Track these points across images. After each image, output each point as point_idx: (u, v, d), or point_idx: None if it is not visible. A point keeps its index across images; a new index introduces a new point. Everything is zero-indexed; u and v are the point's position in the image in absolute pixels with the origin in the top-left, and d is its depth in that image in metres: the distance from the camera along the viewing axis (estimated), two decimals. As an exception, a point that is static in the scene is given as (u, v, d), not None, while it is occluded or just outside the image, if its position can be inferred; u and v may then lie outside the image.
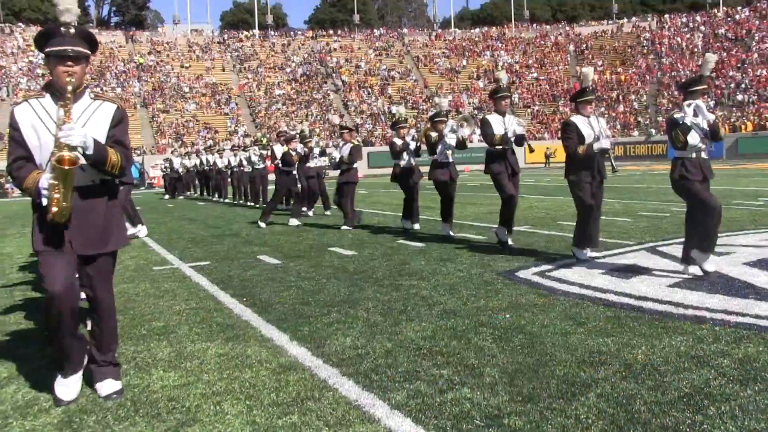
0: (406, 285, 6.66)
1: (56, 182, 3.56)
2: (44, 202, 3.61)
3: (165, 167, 30.18)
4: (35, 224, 3.82)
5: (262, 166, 19.83)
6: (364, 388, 3.83)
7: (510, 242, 8.86)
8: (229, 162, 23.08)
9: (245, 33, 70.16)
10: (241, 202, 21.64)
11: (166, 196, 28.94)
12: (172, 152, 37.02)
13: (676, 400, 3.45)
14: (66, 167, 3.52)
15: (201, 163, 26.66)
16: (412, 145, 10.82)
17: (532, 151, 9.72)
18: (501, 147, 8.74)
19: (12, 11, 75.54)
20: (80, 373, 3.99)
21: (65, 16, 3.68)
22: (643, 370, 3.90)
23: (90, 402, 3.88)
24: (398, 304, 5.84)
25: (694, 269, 6.45)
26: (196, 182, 28.49)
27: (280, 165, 14.31)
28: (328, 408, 3.56)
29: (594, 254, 7.64)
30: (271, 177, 19.56)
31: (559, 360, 4.12)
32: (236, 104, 57.79)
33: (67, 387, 3.90)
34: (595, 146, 7.26)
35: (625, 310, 5.28)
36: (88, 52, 3.77)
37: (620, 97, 56.17)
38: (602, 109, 53.76)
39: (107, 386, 3.96)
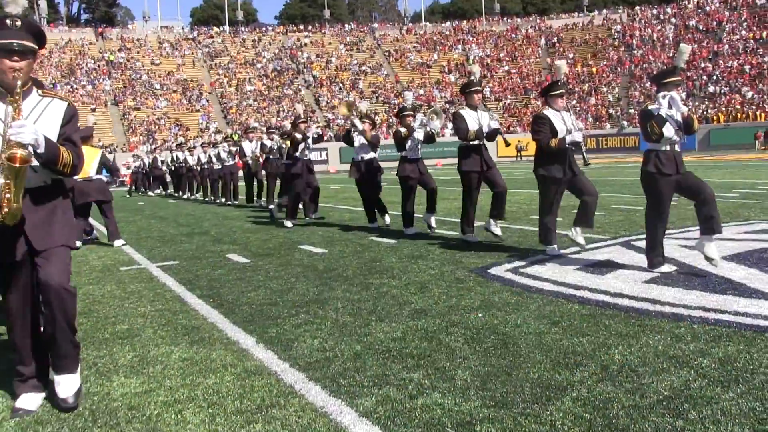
0: (377, 283, 6.52)
1: (8, 181, 3.38)
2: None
3: (138, 165, 30.10)
4: None
5: (231, 162, 19.59)
6: (332, 393, 3.68)
7: (477, 238, 8.90)
8: (198, 159, 22.78)
9: (215, 29, 69.53)
10: (211, 199, 21.37)
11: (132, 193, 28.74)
12: (150, 150, 36.60)
13: (655, 404, 3.31)
14: (18, 165, 3.33)
15: (172, 160, 26.37)
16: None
17: (507, 144, 9.58)
18: (475, 142, 8.63)
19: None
20: (42, 393, 3.85)
21: (11, 7, 3.50)
22: (620, 372, 3.76)
23: (47, 412, 3.71)
24: (368, 304, 5.69)
25: (665, 268, 6.35)
26: (167, 179, 28.22)
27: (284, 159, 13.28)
28: (294, 416, 3.41)
29: (580, 240, 7.45)
30: (242, 174, 19.41)
31: (534, 362, 3.98)
32: (207, 101, 57.25)
33: (28, 399, 3.75)
34: (568, 139, 7.17)
35: (600, 307, 5.15)
36: (35, 46, 3.58)
37: (592, 90, 56.51)
38: (573, 102, 54.09)
39: (65, 384, 3.77)
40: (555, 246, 7.55)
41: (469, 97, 8.86)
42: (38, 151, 3.45)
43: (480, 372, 3.86)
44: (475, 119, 8.67)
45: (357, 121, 11.02)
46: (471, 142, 8.65)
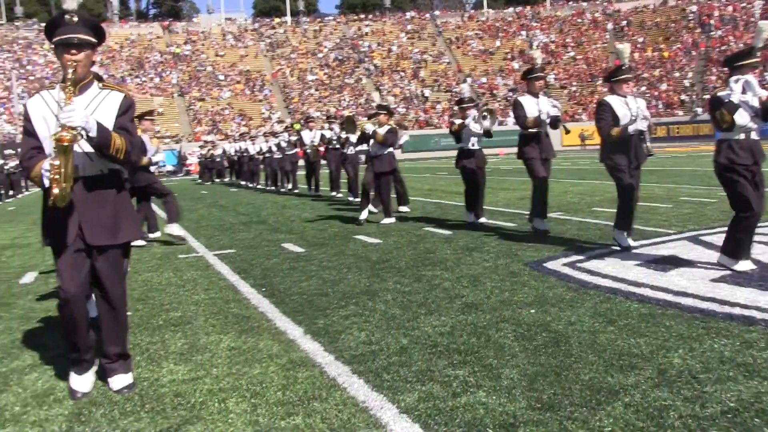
0: (429, 276, 6.41)
1: (56, 162, 3.43)
2: (46, 183, 3.49)
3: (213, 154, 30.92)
4: (44, 217, 3.75)
5: (292, 152, 19.70)
6: (374, 388, 3.60)
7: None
8: (260, 148, 23.02)
9: (277, 20, 70.08)
10: (271, 188, 21.59)
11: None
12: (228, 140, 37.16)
13: (718, 416, 3.04)
14: (65, 144, 3.37)
15: (235, 150, 26.82)
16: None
17: (567, 132, 9.25)
18: (534, 130, 8.43)
19: (61, 10, 76.76)
20: (94, 369, 3.94)
21: (67, 3, 3.64)
22: (679, 378, 3.50)
23: (101, 395, 3.81)
24: (418, 297, 5.60)
25: (742, 266, 5.87)
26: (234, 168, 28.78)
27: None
28: (334, 410, 3.35)
29: (632, 243, 7.25)
30: (302, 162, 19.54)
31: (585, 362, 3.80)
32: (270, 91, 57.86)
33: (81, 381, 3.84)
34: (630, 128, 6.88)
35: (661, 306, 4.87)
36: (93, 39, 3.70)
37: (663, 76, 54.69)
38: (643, 88, 52.51)
39: (118, 381, 3.89)
40: (625, 234, 7.21)
41: (530, 83, 8.66)
42: (90, 134, 3.50)
43: (528, 371, 3.71)
44: (535, 106, 8.46)
45: (368, 126, 10.88)
46: (530, 130, 8.45)
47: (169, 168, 39.74)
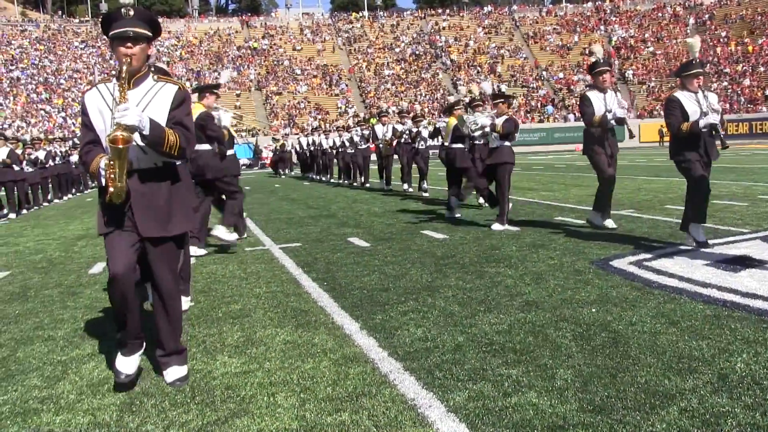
0: (492, 272, 6.32)
1: (111, 162, 3.52)
2: (102, 182, 3.60)
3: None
4: (99, 208, 3.82)
5: (364, 146, 19.77)
6: (425, 386, 3.57)
7: (612, 224, 8.47)
8: (333, 142, 23.21)
9: (355, 14, 70.58)
10: (343, 182, 21.75)
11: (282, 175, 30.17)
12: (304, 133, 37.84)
13: None
14: (120, 146, 3.45)
15: (308, 144, 27.13)
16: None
17: (632, 136, 9.06)
18: (598, 130, 8.24)
19: (144, 5, 79.60)
20: (139, 353, 3.96)
21: None
22: (740, 383, 3.34)
23: (153, 386, 3.88)
24: (479, 293, 5.52)
25: None
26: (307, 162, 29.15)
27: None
28: (382, 407, 3.33)
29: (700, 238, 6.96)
30: (374, 156, 19.62)
31: (643, 364, 3.67)
32: (346, 85, 58.34)
33: (126, 363, 3.86)
34: (701, 123, 6.62)
35: (728, 308, 4.66)
36: (149, 33, 3.76)
37: (747, 70, 52.50)
38: (725, 83, 50.56)
39: (172, 373, 3.94)
40: (700, 228, 6.95)
41: (596, 78, 8.42)
42: (143, 132, 3.56)
43: (583, 372, 3.61)
44: (602, 102, 8.22)
45: (480, 117, 10.39)
46: (595, 128, 8.25)
47: (245, 161, 40.51)
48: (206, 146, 8.07)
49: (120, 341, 3.90)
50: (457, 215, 10.50)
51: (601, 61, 8.46)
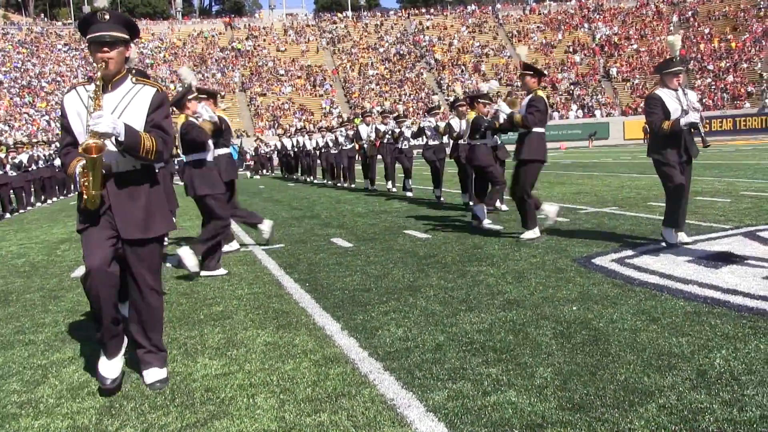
0: (474, 271, 6.32)
1: (85, 170, 3.50)
2: (78, 188, 3.59)
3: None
4: (79, 207, 3.79)
5: (349, 146, 19.73)
6: (405, 385, 3.55)
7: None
8: (317, 143, 23.18)
9: (339, 15, 70.54)
10: (328, 182, 21.73)
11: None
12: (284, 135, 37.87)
13: (756, 420, 2.89)
14: (93, 155, 3.43)
15: (292, 145, 27.06)
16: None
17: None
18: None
19: (127, 8, 79.30)
20: (121, 354, 3.91)
21: (98, 1, 3.68)
22: (719, 379, 3.34)
23: (133, 389, 3.85)
24: (461, 293, 5.52)
25: None
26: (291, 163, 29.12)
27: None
28: (361, 407, 3.32)
29: (686, 240, 7.00)
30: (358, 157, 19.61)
31: (623, 361, 3.67)
32: (331, 85, 58.26)
33: (110, 366, 3.81)
34: (683, 121, 6.63)
35: (708, 304, 4.68)
36: (126, 36, 3.72)
37: (730, 67, 52.91)
38: (708, 80, 50.94)
39: (152, 374, 3.90)
40: (676, 234, 6.95)
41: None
42: (119, 139, 3.53)
43: (563, 370, 3.60)
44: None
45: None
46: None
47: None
48: (225, 150, 8.17)
49: (100, 340, 3.86)
50: (489, 224, 9.10)
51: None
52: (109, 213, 3.71)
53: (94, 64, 3.67)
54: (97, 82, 3.58)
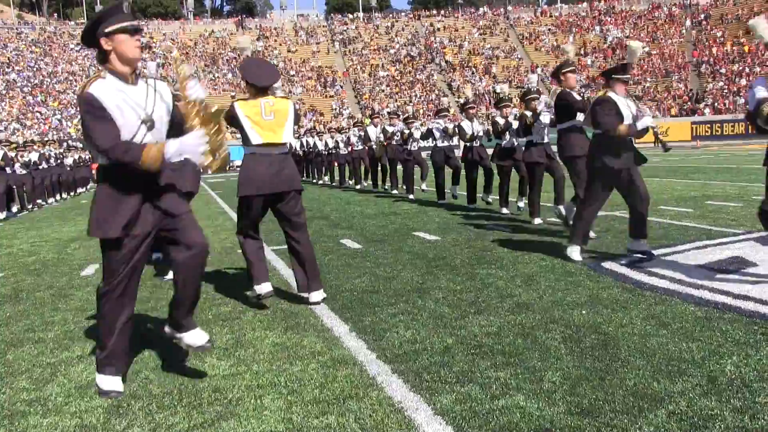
0: (483, 274, 6.30)
1: (214, 126, 3.68)
2: (201, 158, 3.62)
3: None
4: (103, 204, 3.73)
5: (360, 147, 19.70)
6: (412, 388, 3.54)
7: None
8: (326, 144, 23.16)
9: (350, 16, 70.61)
10: (338, 183, 21.72)
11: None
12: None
13: (767, 428, 2.88)
14: (211, 109, 3.69)
15: (301, 145, 27.01)
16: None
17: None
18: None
19: (139, 8, 79.71)
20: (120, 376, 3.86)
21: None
22: (729, 386, 3.32)
23: (140, 388, 3.85)
24: (469, 295, 5.50)
25: None
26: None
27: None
28: (369, 409, 3.31)
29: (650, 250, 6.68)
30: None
31: (632, 367, 3.65)
32: (341, 86, 58.32)
33: (115, 381, 3.79)
34: (639, 124, 6.45)
35: (719, 310, 4.64)
36: None
37: (743, 70, 52.59)
38: (720, 83, 50.63)
39: (196, 335, 3.94)
40: (577, 248, 6.72)
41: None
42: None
43: (571, 374, 3.59)
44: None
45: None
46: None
47: (238, 163, 40.50)
48: None
49: (103, 361, 3.79)
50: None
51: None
52: (150, 205, 3.70)
53: (129, 55, 3.62)
54: (176, 56, 3.67)
